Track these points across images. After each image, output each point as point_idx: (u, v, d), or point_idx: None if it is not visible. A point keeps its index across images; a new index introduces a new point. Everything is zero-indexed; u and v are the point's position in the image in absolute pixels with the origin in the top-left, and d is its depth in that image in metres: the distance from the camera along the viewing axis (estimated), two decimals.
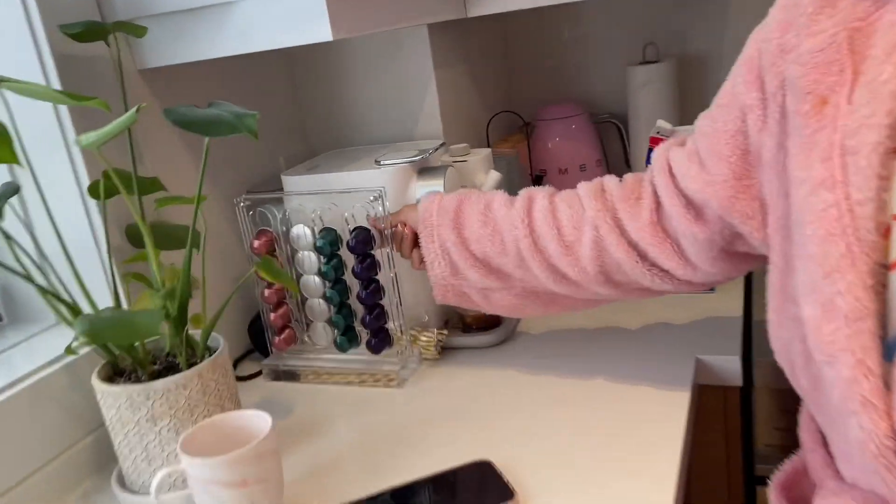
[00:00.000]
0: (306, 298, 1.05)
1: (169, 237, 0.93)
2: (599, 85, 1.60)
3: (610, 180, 0.85)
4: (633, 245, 0.81)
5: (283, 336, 1.06)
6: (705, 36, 1.50)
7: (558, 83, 1.62)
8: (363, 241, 0.97)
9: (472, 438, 0.86)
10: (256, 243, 1.03)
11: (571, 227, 0.83)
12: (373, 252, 0.99)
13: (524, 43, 1.63)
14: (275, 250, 1.05)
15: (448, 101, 1.28)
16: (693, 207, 0.76)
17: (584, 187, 0.86)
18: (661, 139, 1.11)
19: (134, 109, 0.67)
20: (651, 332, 1.04)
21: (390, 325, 1.02)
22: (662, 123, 1.12)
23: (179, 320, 0.85)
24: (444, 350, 1.07)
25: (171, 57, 0.95)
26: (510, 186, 1.14)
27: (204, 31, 0.91)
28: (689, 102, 1.49)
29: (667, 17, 1.51)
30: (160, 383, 0.79)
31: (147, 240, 0.82)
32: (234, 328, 1.14)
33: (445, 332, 1.06)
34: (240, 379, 1.10)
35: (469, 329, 1.09)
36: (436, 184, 1.04)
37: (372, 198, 0.96)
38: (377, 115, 1.30)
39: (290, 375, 1.07)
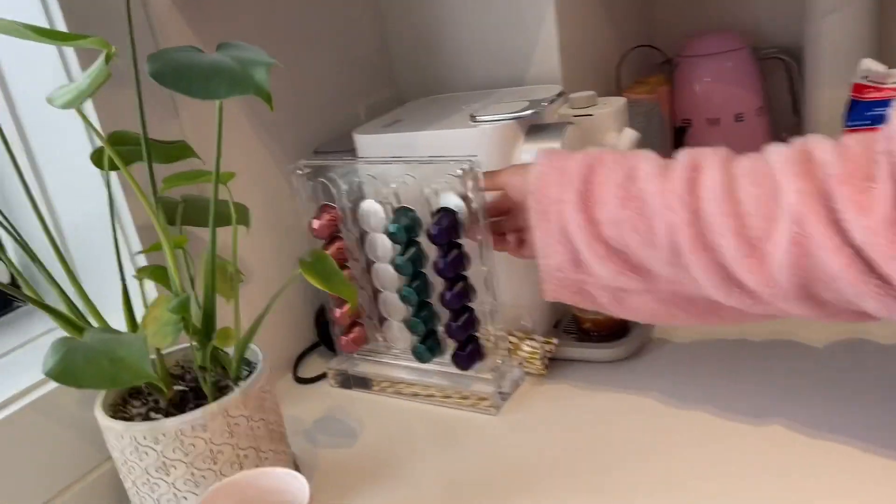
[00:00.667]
0: (379, 290, 0.83)
1: (205, 212, 0.73)
2: (766, 9, 1.26)
3: (820, 145, 0.56)
4: (857, 251, 0.53)
5: (351, 335, 0.85)
6: None
7: (710, 7, 1.29)
8: (448, 227, 0.73)
9: (591, 489, 0.63)
10: (316, 223, 0.81)
11: (760, 215, 0.57)
12: (461, 242, 0.75)
13: None
14: (340, 232, 0.83)
15: (570, 34, 1.00)
16: None
17: (778, 154, 0.58)
18: (871, 86, 0.80)
19: (101, 58, 0.45)
20: (850, 352, 0.76)
21: (482, 333, 0.79)
22: (872, 64, 0.81)
23: (205, 332, 0.65)
24: (553, 362, 0.83)
25: None
26: (648, 146, 0.87)
27: None
28: (894, 35, 1.14)
29: None
30: (171, 423, 0.60)
31: (156, 223, 0.61)
32: (297, 316, 0.94)
33: (555, 341, 0.82)
34: (301, 381, 0.91)
35: (587, 336, 0.85)
36: (549, 147, 0.78)
37: (460, 170, 0.71)
38: (480, 53, 1.04)
39: (361, 382, 0.86)
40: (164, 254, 0.62)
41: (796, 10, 1.20)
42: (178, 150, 0.69)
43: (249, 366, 0.69)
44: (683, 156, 0.62)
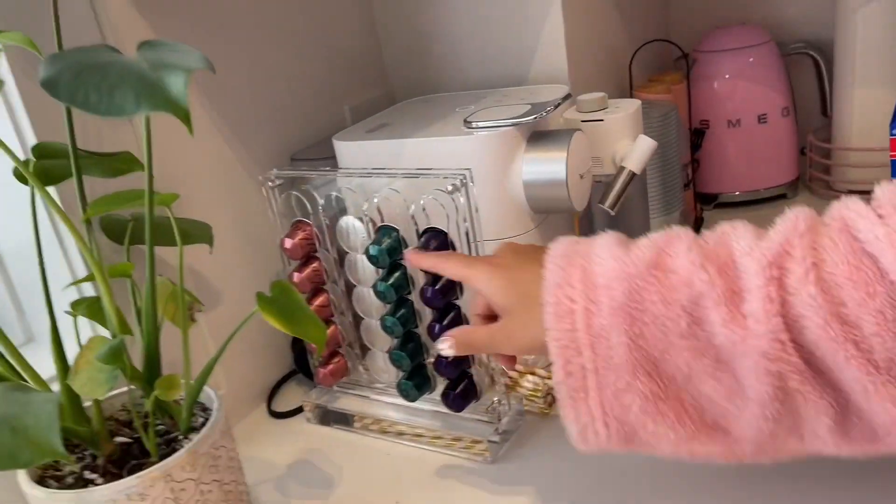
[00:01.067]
0: (361, 317, 0.74)
1: (163, 230, 0.64)
2: (793, 1, 1.15)
3: None
4: None
5: (329, 367, 0.76)
6: None
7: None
8: (437, 250, 0.63)
9: None
10: (289, 242, 0.72)
11: (890, 334, 0.41)
12: None
13: None
14: (316, 251, 0.73)
15: (577, 27, 0.90)
16: None
17: (875, 230, 0.42)
18: None
19: None
20: None
21: (477, 368, 0.69)
22: None
23: (147, 378, 0.55)
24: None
25: None
26: (664, 153, 0.77)
27: None
28: None
29: None
30: (101, 494, 0.50)
31: (84, 249, 0.52)
32: (273, 339, 0.85)
33: None
34: (275, 416, 0.81)
35: None
36: (554, 157, 0.68)
37: (450, 186, 0.61)
38: (478, 49, 0.94)
39: (341, 419, 0.77)
40: (99, 288, 0.53)
41: (826, 1, 1.09)
42: (122, 163, 0.59)
43: (206, 412, 0.60)
44: (750, 262, 0.44)
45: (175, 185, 0.71)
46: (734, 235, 0.47)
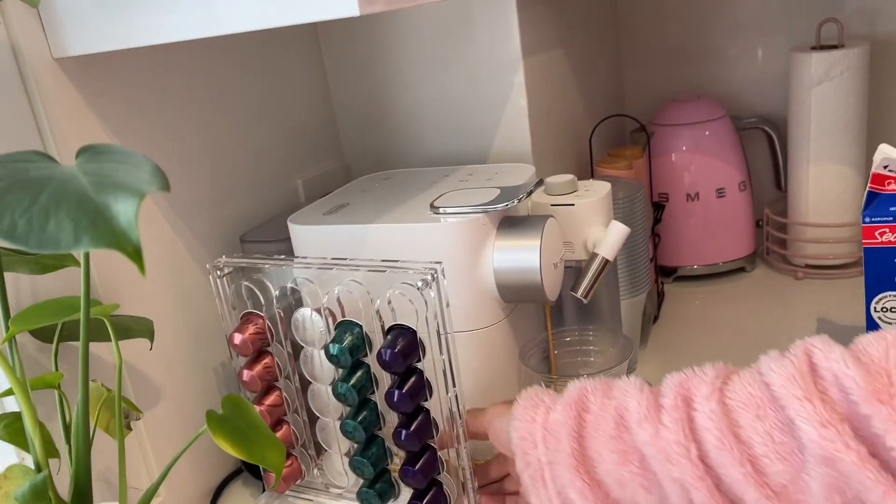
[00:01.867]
0: (317, 417, 0.68)
1: (98, 325, 0.57)
2: (747, 77, 1.17)
3: (827, 355, 0.44)
4: None
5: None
6: None
7: (686, 72, 1.20)
8: (405, 350, 0.58)
9: None
10: (238, 338, 0.65)
11: (776, 457, 0.44)
12: (420, 367, 0.60)
13: (641, 16, 1.21)
14: (268, 345, 0.67)
15: (540, 102, 0.88)
16: None
17: (771, 368, 0.45)
18: (893, 177, 0.69)
19: None
20: None
21: (446, 477, 0.64)
22: (891, 152, 0.70)
23: None
24: None
25: (98, 40, 0.58)
26: (632, 234, 0.74)
27: (147, 2, 0.53)
28: (885, 107, 1.05)
29: None
30: None
31: (3, 365, 0.45)
32: None
33: None
34: None
35: None
36: (527, 245, 0.64)
37: (420, 281, 0.57)
38: (437, 122, 0.91)
39: None
40: (21, 408, 0.46)
41: (780, 76, 1.11)
42: (53, 258, 0.52)
43: None
44: (670, 386, 0.50)
45: (111, 273, 0.65)
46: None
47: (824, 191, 1.03)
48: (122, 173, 0.30)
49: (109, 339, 0.54)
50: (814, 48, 1.02)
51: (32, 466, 0.46)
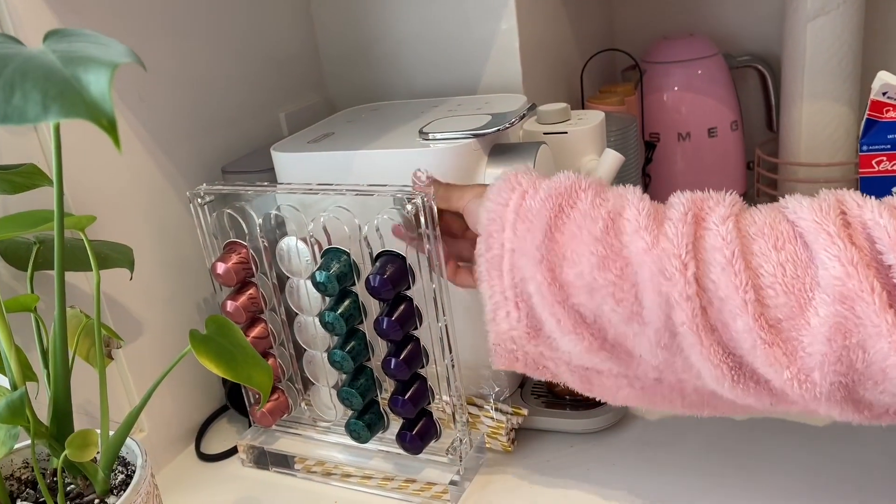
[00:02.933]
0: (304, 349, 0.66)
1: (76, 253, 0.55)
2: (739, 12, 1.14)
3: (860, 202, 0.42)
4: None
5: (267, 405, 0.68)
6: None
7: (678, 9, 1.17)
8: (394, 277, 0.57)
9: None
10: (221, 267, 0.63)
11: (786, 289, 0.42)
12: (409, 294, 0.59)
13: None
14: (252, 276, 0.65)
15: (531, 33, 0.85)
16: None
17: (802, 206, 0.43)
18: (891, 104, 0.68)
19: None
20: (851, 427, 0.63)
21: (436, 404, 0.63)
22: (890, 78, 0.68)
23: (56, 434, 0.47)
24: (519, 433, 0.67)
25: None
26: (623, 168, 0.72)
27: None
28: (880, 43, 1.03)
29: None
30: None
31: None
32: (201, 372, 0.76)
33: (524, 411, 0.67)
34: (205, 458, 0.72)
35: (560, 402, 0.70)
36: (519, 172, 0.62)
37: (408, 205, 0.55)
38: (425, 53, 0.88)
39: (280, 461, 0.69)
40: None
41: (773, 13, 1.08)
42: (25, 177, 0.50)
43: (127, 467, 0.51)
44: (680, 201, 0.47)
45: (89, 203, 0.62)
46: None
47: (817, 129, 1.02)
48: (93, 49, 0.27)
49: (86, 268, 0.52)
50: None
51: (8, 387, 0.45)
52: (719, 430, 0.65)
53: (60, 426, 0.46)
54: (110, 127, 0.24)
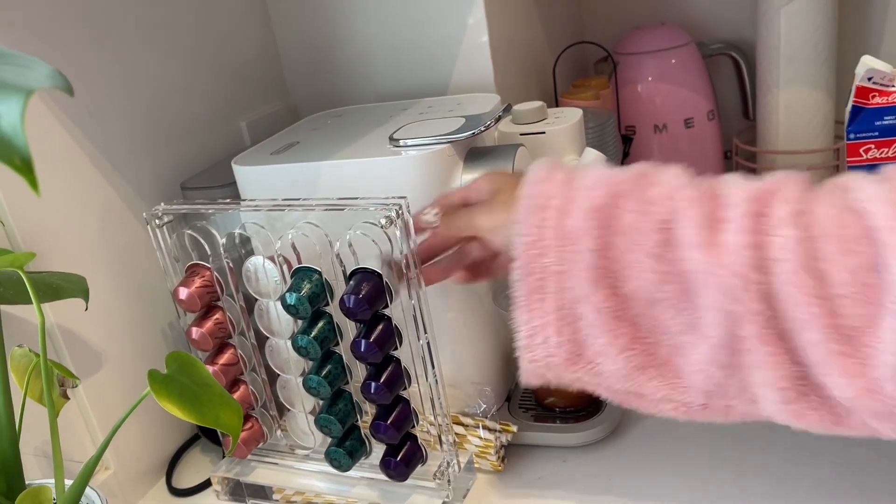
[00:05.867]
0: (277, 374, 0.62)
1: (18, 286, 0.50)
2: (710, 0, 1.12)
3: None
4: None
5: (241, 436, 0.64)
6: None
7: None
8: (370, 296, 0.53)
9: None
10: (184, 292, 0.59)
11: (858, 298, 0.39)
12: (387, 313, 0.55)
13: None
14: (218, 299, 0.61)
15: (501, 29, 0.82)
16: None
17: (871, 196, 0.39)
18: (877, 90, 0.65)
19: None
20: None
21: (421, 429, 0.59)
22: (874, 63, 0.66)
23: (7, 492, 0.42)
24: (508, 449, 0.64)
25: None
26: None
27: None
28: (852, 28, 1.02)
29: None
30: None
31: None
32: None
33: (514, 428, 0.64)
34: (178, 493, 0.68)
35: (549, 414, 0.67)
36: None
37: (383, 219, 0.51)
38: (390, 54, 0.84)
39: (257, 492, 0.65)
40: None
41: (746, 0, 1.06)
42: None
43: None
44: (738, 199, 0.42)
45: (36, 231, 0.58)
46: (724, 177, 0.45)
47: (794, 117, 1.00)
48: (9, 73, 0.23)
49: (30, 302, 0.48)
50: None
51: None
52: (719, 442, 0.62)
53: (10, 482, 0.42)
54: (24, 167, 0.21)
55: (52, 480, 0.45)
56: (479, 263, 0.56)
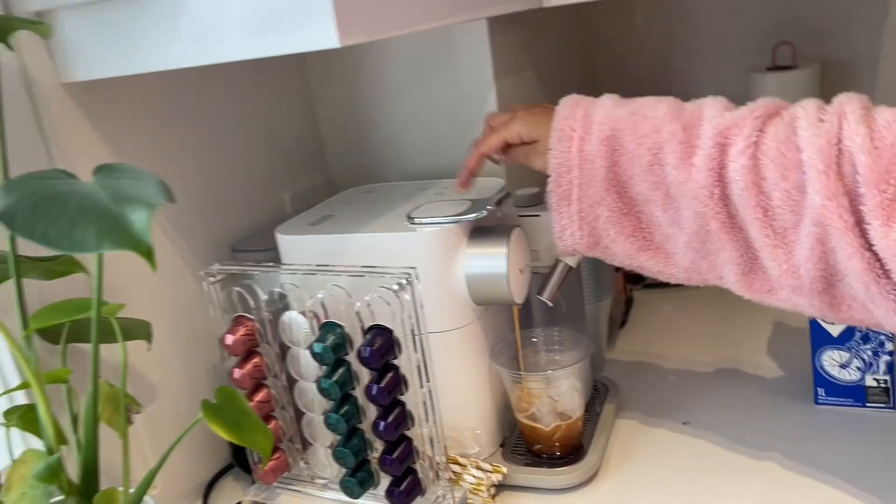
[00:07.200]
0: (303, 412, 0.73)
1: (104, 330, 0.62)
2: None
3: (854, 131, 0.52)
4: (876, 256, 0.52)
5: (269, 463, 0.75)
6: (859, 35, 1.12)
7: (654, 93, 1.26)
8: (382, 348, 0.64)
9: None
10: (230, 338, 0.71)
11: (787, 208, 0.56)
12: (396, 363, 0.66)
13: (609, 40, 1.28)
14: (257, 346, 0.73)
15: None
16: None
17: (810, 138, 0.54)
18: None
19: None
20: (825, 452, 0.69)
21: (421, 462, 0.69)
22: None
23: (84, 491, 0.53)
24: (499, 489, 0.74)
25: (102, 67, 0.63)
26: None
27: (145, 31, 0.59)
28: None
29: (807, 9, 1.14)
30: None
31: (20, 358, 0.50)
32: (208, 433, 0.83)
33: (504, 469, 0.73)
34: None
35: (537, 460, 0.76)
36: (495, 252, 0.71)
37: (396, 285, 0.63)
38: (417, 139, 0.97)
39: None
40: (35, 396, 0.51)
41: (740, 96, 1.17)
42: (62, 265, 0.58)
43: None
44: (710, 127, 0.59)
45: (111, 280, 0.70)
46: (708, 104, 0.61)
47: None
48: (135, 189, 0.36)
49: (113, 340, 0.60)
50: (769, 69, 1.09)
51: (44, 450, 0.52)
52: (689, 489, 0.71)
53: (88, 485, 0.53)
54: (148, 254, 0.33)
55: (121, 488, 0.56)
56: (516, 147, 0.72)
